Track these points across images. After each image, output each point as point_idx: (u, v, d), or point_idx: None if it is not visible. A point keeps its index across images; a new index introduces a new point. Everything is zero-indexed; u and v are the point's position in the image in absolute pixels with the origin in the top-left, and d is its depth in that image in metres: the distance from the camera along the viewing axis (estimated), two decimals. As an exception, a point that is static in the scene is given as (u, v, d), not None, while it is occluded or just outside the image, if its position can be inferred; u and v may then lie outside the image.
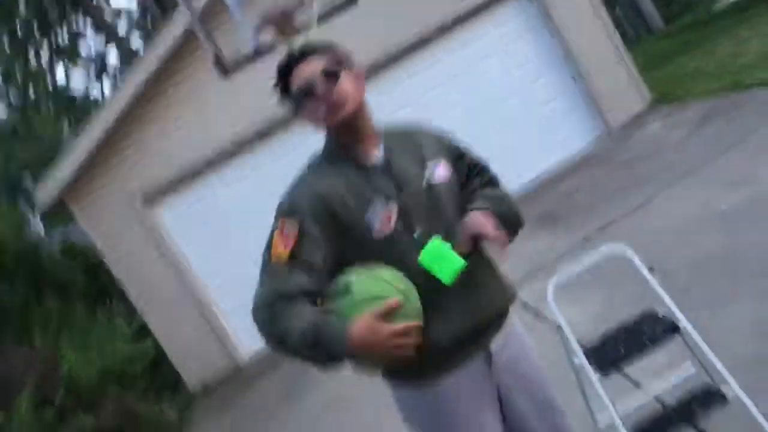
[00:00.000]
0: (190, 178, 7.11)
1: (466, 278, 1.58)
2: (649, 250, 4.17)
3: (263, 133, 7.08)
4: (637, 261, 2.36)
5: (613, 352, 2.34)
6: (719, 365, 2.24)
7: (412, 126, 1.84)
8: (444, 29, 7.48)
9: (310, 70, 1.61)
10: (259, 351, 6.59)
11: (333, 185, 1.59)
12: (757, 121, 5.41)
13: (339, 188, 1.59)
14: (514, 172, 7.41)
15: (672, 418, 2.30)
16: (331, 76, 1.61)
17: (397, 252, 1.58)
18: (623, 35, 14.54)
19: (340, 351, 1.44)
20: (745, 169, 4.63)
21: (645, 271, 2.34)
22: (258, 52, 5.75)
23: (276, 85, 1.68)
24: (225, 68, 5.80)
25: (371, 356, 1.46)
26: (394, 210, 1.59)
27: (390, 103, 7.33)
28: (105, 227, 6.91)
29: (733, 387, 2.22)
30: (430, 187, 1.67)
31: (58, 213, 7.62)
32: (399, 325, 1.45)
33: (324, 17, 5.88)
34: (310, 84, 1.60)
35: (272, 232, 1.59)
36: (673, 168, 5.43)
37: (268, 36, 5.58)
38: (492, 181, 1.90)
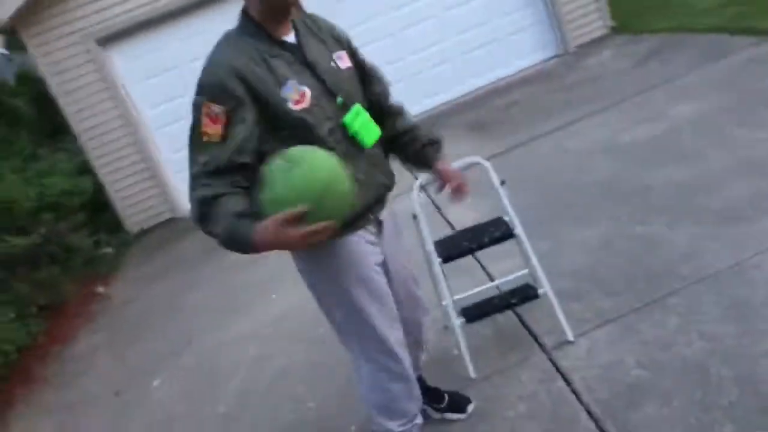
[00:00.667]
0: (147, 27, 7.10)
1: (374, 157, 1.88)
2: (549, 168, 4.61)
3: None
4: (492, 173, 2.73)
5: (456, 245, 2.76)
6: (538, 270, 2.69)
7: (314, 15, 1.94)
8: None
9: None
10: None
11: (249, 60, 1.66)
12: (690, 64, 5.70)
13: (255, 63, 1.66)
14: (463, 77, 7.69)
15: (494, 304, 2.78)
16: None
17: (317, 122, 1.71)
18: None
19: (249, 251, 1.58)
20: (659, 107, 4.98)
21: (496, 183, 2.71)
22: None
23: None
24: None
25: (283, 249, 1.58)
26: (306, 89, 1.71)
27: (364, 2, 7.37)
28: (57, 61, 6.95)
29: (545, 287, 2.69)
30: (338, 69, 1.83)
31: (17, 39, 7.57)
32: (306, 228, 1.48)
33: None
34: None
35: (198, 114, 1.65)
36: (603, 97, 5.74)
37: None
38: (389, 94, 2.12)
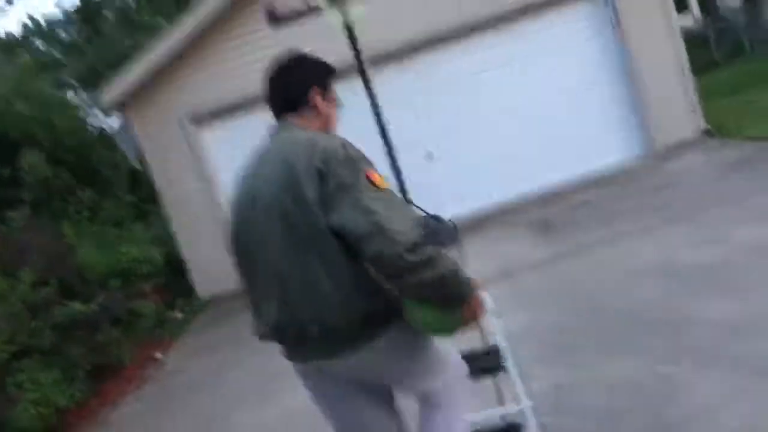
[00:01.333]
0: (237, 110, 7.63)
1: None
2: (594, 283, 4.39)
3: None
4: (489, 304, 2.64)
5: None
6: (527, 413, 2.53)
7: None
8: (510, 14, 7.50)
9: None
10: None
11: None
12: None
13: None
14: (543, 172, 7.56)
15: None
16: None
17: None
18: (706, 54, 13.74)
19: (466, 296, 1.75)
20: (727, 228, 4.65)
21: (493, 316, 2.62)
22: (304, 12, 6.11)
23: (325, 72, 2.08)
24: (274, 19, 6.24)
25: (464, 314, 1.79)
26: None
27: (439, 78, 7.55)
28: (154, 135, 7.60)
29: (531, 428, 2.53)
30: None
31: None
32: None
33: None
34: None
35: (363, 167, 1.73)
36: (675, 208, 5.44)
37: (317, -2, 5.90)
38: None
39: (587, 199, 6.68)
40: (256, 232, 1.83)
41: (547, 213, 6.58)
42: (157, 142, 7.59)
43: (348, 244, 1.67)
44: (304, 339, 1.79)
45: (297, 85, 2.00)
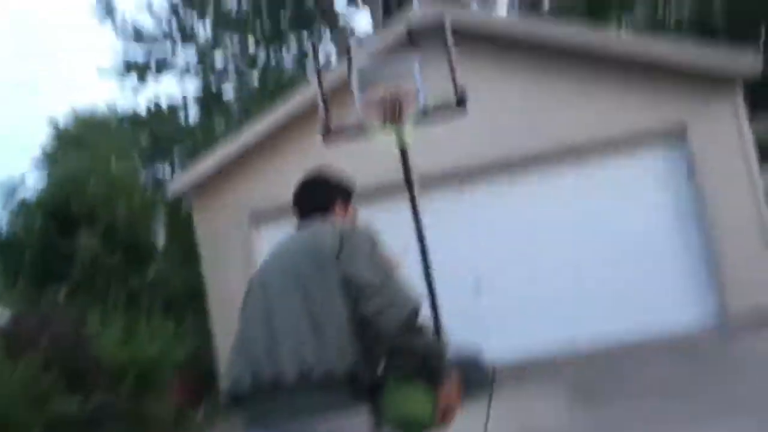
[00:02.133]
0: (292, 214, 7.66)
1: None
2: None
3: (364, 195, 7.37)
4: None
5: None
6: None
7: None
8: (579, 150, 7.21)
9: None
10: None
11: None
12: None
13: None
14: (597, 321, 6.96)
15: None
16: None
17: None
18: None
19: (442, 376, 1.91)
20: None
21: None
22: (357, 131, 6.13)
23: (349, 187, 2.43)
24: (327, 137, 6.28)
25: (441, 400, 1.91)
26: None
27: (496, 208, 7.28)
28: (212, 230, 7.73)
29: None
30: None
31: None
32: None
33: (431, 116, 6.09)
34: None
35: (380, 244, 2.02)
36: (737, 399, 4.70)
37: (371, 119, 5.92)
38: None
39: (638, 367, 6.00)
40: (269, 296, 2.01)
41: (589, 375, 5.95)
42: (213, 237, 7.70)
43: (353, 302, 1.85)
44: (276, 391, 1.82)
45: (324, 197, 2.32)
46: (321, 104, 5.90)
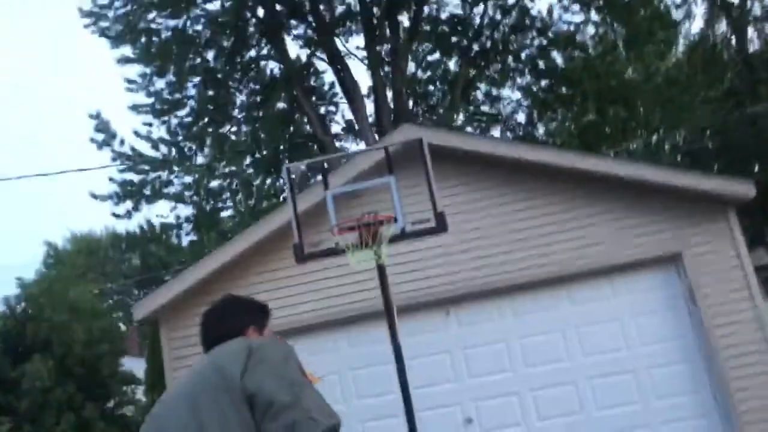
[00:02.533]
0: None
1: None
2: None
3: (340, 321, 6.96)
4: None
5: None
6: None
7: None
8: (573, 276, 6.85)
9: None
10: None
11: None
12: None
13: None
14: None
15: None
16: None
17: None
18: None
19: None
20: None
21: None
22: (329, 252, 5.87)
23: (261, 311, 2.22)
24: (299, 257, 6.01)
25: None
26: None
27: (485, 334, 6.83)
28: (180, 354, 7.19)
29: None
30: None
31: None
32: None
33: (409, 237, 5.85)
34: None
35: (294, 358, 1.81)
36: None
37: (347, 240, 5.69)
38: None
39: None
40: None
41: None
42: (181, 359, 7.19)
43: (258, 423, 1.60)
44: None
45: (233, 323, 2.02)
46: (295, 228, 5.72)
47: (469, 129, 16.56)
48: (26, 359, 5.90)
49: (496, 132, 17.63)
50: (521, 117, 19.01)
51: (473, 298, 6.90)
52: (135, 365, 9.81)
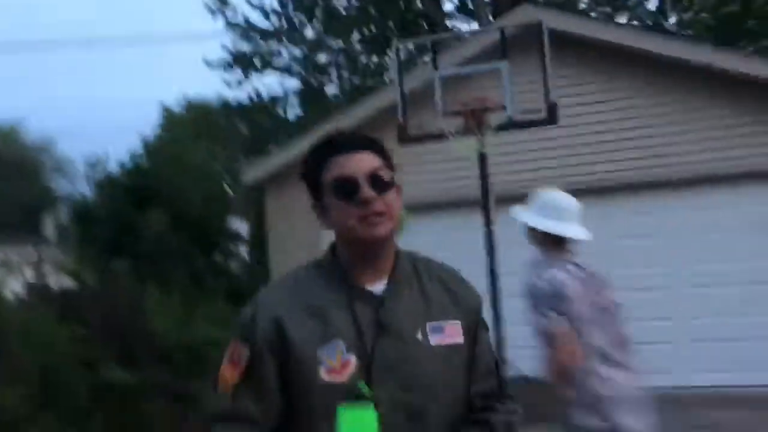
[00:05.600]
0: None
1: None
2: None
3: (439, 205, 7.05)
4: None
5: None
6: None
7: (447, 269, 1.49)
8: (694, 180, 6.56)
9: (363, 164, 1.35)
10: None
11: (298, 308, 1.36)
12: None
13: (307, 313, 1.35)
14: (689, 367, 6.30)
15: None
16: (384, 183, 1.35)
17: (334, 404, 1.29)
18: None
19: None
20: None
21: None
22: (433, 136, 5.84)
23: (305, 171, 1.45)
24: (403, 137, 6.04)
25: None
26: (352, 359, 1.30)
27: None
28: (283, 224, 7.63)
29: None
30: (421, 350, 1.35)
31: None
32: None
33: (519, 125, 5.70)
34: (356, 181, 1.33)
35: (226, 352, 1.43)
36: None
37: (452, 125, 5.62)
38: (491, 399, 1.47)
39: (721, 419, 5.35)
40: None
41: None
42: (284, 229, 7.62)
43: None
44: None
45: None
46: (400, 108, 5.69)
47: (593, 14, 15.41)
48: (146, 209, 6.52)
49: (622, 19, 16.32)
50: (651, 4, 17.42)
51: (584, 192, 6.73)
52: (240, 226, 10.57)
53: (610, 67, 6.86)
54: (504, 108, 5.42)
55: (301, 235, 7.48)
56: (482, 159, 5.64)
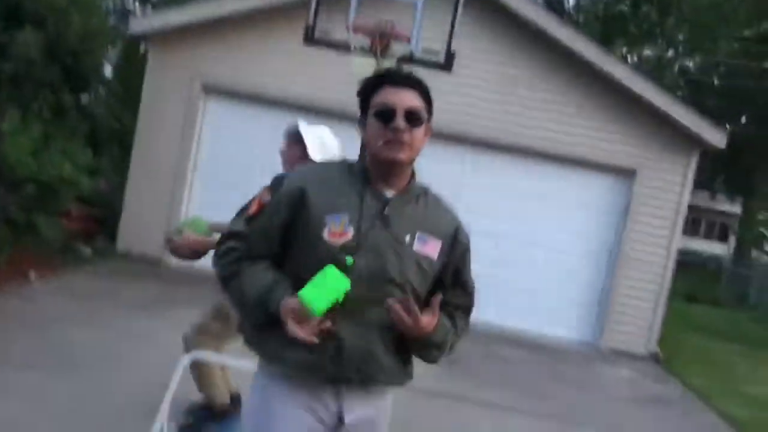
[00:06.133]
0: (249, 100, 7.54)
1: (366, 332, 1.62)
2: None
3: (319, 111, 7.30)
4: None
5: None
6: None
7: (443, 202, 1.79)
8: (540, 154, 7.47)
9: (405, 100, 1.64)
10: (191, 271, 7.10)
11: (325, 185, 1.67)
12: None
13: (329, 188, 1.66)
14: (496, 310, 7.28)
15: None
16: (416, 119, 1.64)
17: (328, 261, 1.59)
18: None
19: (271, 315, 1.59)
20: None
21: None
22: (337, 45, 6.04)
23: (361, 90, 1.71)
24: (309, 38, 6.15)
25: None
26: (352, 231, 1.62)
27: (441, 176, 7.39)
28: (161, 83, 7.48)
29: None
30: (404, 248, 1.65)
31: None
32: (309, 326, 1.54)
33: (414, 63, 6.05)
34: (394, 112, 1.62)
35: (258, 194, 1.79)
36: (564, 409, 5.17)
37: (357, 40, 5.85)
38: (465, 309, 1.82)
39: (505, 355, 6.42)
40: None
41: (471, 350, 6.27)
42: (161, 88, 7.47)
43: None
44: None
45: None
46: (313, 8, 5.79)
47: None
48: (17, 27, 5.99)
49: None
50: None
51: (444, 139, 7.33)
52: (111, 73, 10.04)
53: (510, 39, 7.41)
54: (409, 41, 5.74)
55: (175, 101, 7.40)
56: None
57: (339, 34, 5.94)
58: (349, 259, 1.60)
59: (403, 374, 1.72)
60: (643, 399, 5.96)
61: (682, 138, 7.31)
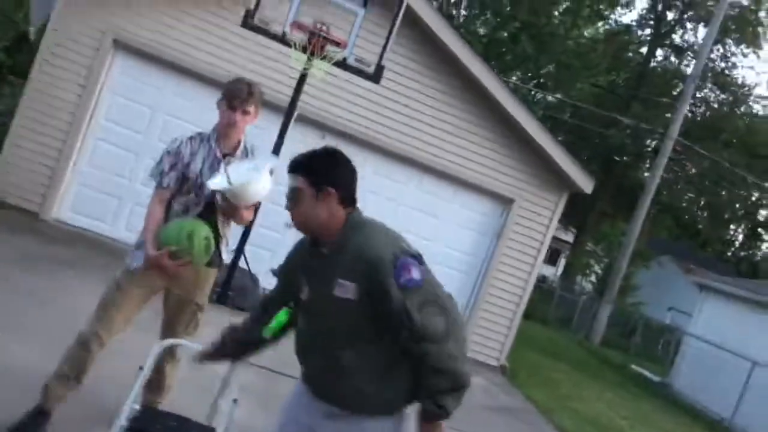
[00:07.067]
0: (161, 63, 7.32)
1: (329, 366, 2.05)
2: None
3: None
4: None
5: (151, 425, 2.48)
6: None
7: (368, 243, 1.98)
8: (429, 168, 8.01)
9: (290, 183, 2.06)
10: (71, 229, 6.84)
11: (297, 256, 2.20)
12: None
13: (298, 260, 2.17)
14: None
15: None
16: (294, 199, 2.03)
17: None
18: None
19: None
20: None
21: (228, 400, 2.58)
22: (277, 37, 6.11)
23: None
24: (248, 23, 6.16)
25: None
26: (306, 289, 2.09)
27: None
28: (73, 24, 6.99)
29: None
30: (329, 293, 1.98)
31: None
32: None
33: (349, 69, 6.25)
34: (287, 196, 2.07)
35: None
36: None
37: (295, 36, 5.96)
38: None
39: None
40: None
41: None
42: (69, 29, 6.97)
43: None
44: None
45: None
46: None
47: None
48: None
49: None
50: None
51: (350, 140, 7.61)
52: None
53: (426, 58, 7.85)
54: (344, 47, 5.97)
55: (83, 48, 6.96)
56: (302, 78, 6.16)
57: (278, 26, 6.03)
58: (291, 310, 2.20)
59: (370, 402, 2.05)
60: (495, 408, 6.66)
61: (557, 178, 8.18)
